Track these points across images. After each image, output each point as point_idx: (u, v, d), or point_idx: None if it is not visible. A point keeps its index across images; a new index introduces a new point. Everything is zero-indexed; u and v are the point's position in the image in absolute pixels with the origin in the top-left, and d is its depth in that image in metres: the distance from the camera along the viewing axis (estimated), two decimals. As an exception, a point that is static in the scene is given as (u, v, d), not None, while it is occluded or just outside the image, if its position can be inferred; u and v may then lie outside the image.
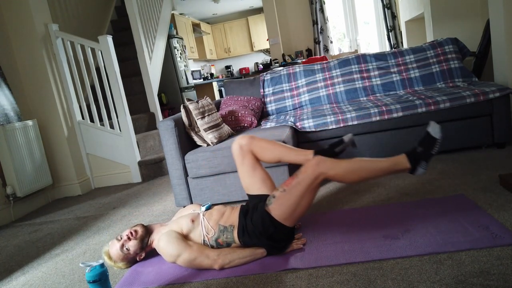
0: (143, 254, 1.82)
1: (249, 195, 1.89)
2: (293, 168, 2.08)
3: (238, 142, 1.87)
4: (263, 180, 1.85)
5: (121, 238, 1.79)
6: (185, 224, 1.75)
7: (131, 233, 1.78)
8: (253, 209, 1.72)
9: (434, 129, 1.63)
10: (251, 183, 1.86)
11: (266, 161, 1.87)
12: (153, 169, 3.78)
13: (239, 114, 2.98)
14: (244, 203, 1.84)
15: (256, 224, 1.64)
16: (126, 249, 1.77)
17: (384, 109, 2.70)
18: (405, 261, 1.46)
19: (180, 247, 1.65)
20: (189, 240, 1.71)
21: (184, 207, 2.18)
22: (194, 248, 1.65)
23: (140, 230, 1.80)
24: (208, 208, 1.82)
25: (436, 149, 1.62)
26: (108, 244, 1.83)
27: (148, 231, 1.83)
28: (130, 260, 1.81)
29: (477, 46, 3.79)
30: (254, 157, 1.86)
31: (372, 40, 7.33)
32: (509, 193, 1.90)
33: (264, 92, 3.48)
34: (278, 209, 1.61)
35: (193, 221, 1.75)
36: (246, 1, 8.21)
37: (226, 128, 2.72)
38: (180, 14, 7.56)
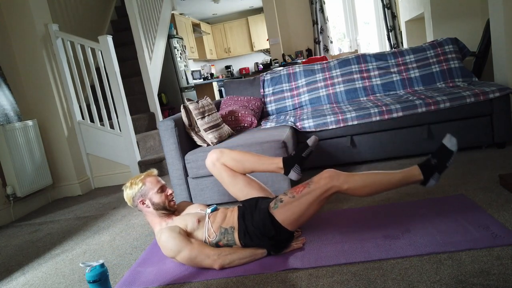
0: (145, 206, 1.78)
1: (241, 202, 1.89)
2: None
3: (210, 159, 1.91)
4: (248, 184, 1.88)
5: (167, 191, 1.81)
6: (191, 223, 1.74)
7: (172, 196, 1.81)
8: (252, 210, 1.72)
9: (451, 141, 1.62)
10: (238, 190, 1.89)
11: (240, 173, 1.90)
12: (153, 169, 3.77)
13: (239, 114, 2.98)
14: (241, 204, 1.84)
15: (257, 225, 1.65)
16: (158, 193, 1.76)
17: (384, 109, 2.70)
18: (405, 261, 1.46)
19: (182, 244, 1.64)
20: (191, 237, 1.71)
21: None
22: (194, 246, 1.65)
23: (176, 205, 1.85)
24: (213, 210, 1.82)
25: (451, 162, 1.62)
26: (156, 174, 1.86)
27: (173, 213, 1.84)
28: (137, 198, 1.78)
29: (477, 46, 3.79)
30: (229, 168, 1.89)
31: (372, 40, 7.33)
32: (509, 193, 1.90)
33: (264, 92, 3.48)
34: (283, 213, 1.62)
35: (199, 221, 1.74)
36: (246, 1, 8.20)
37: (226, 128, 2.72)
38: (180, 14, 7.56)
